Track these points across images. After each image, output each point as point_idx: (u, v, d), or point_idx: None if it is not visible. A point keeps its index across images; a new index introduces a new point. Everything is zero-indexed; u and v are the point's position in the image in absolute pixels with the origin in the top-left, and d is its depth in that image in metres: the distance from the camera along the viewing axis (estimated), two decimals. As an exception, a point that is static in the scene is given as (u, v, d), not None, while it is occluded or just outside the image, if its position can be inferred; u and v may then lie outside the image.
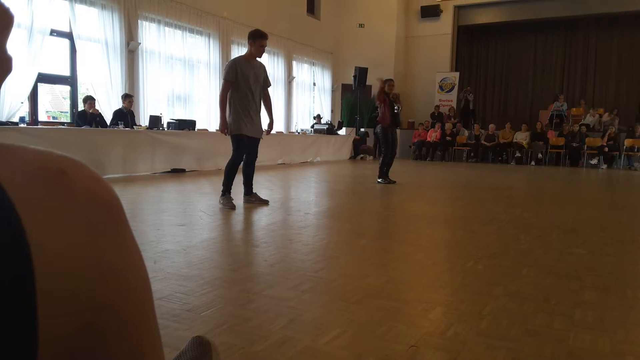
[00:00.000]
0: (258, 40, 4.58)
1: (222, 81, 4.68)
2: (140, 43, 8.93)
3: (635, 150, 12.07)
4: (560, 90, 15.04)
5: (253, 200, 4.83)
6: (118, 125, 7.52)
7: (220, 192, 4.59)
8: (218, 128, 5.07)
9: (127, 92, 8.46)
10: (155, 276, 2.28)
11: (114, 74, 8.54)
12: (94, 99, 7.71)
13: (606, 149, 12.16)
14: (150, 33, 9.28)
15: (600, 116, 13.53)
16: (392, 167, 7.33)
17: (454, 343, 1.63)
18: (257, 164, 5.02)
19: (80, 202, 0.38)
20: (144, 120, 8.60)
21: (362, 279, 2.33)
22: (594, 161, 12.55)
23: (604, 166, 12.19)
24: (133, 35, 8.84)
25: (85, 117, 7.43)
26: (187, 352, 1.07)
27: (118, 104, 8.24)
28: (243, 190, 4.84)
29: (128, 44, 8.74)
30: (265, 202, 4.83)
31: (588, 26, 14.86)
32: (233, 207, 4.45)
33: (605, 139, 12.25)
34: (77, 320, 0.36)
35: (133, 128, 7.72)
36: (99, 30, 8.27)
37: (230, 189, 4.60)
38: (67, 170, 0.38)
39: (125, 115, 7.97)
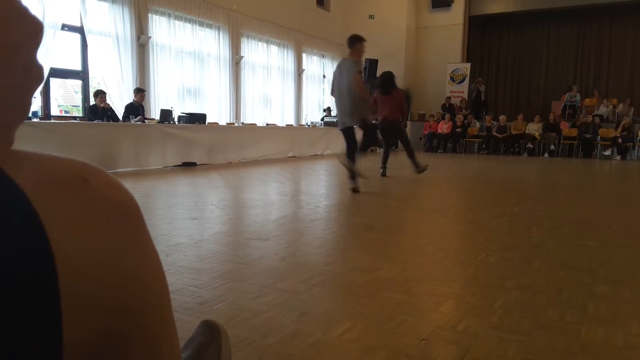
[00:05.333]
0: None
1: (358, 75, 5.10)
2: (150, 37, 8.96)
3: (650, 141, 11.90)
4: (573, 81, 14.84)
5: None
6: (130, 119, 7.57)
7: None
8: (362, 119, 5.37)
9: (138, 86, 8.51)
10: (167, 270, 2.30)
11: (124, 68, 8.59)
12: (105, 93, 7.77)
13: (620, 140, 12.00)
14: (161, 27, 9.31)
15: (614, 107, 13.33)
16: (399, 160, 7.34)
17: (465, 337, 1.63)
18: (266, 157, 5.13)
19: (101, 209, 0.39)
20: (155, 114, 8.65)
21: (373, 273, 2.33)
22: (607, 152, 12.40)
23: (618, 157, 12.04)
24: (143, 29, 8.87)
25: (97, 111, 7.49)
26: (196, 337, 1.08)
27: (129, 98, 8.29)
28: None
29: (138, 37, 8.78)
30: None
31: (602, 15, 14.61)
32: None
33: (619, 129, 12.08)
34: (100, 325, 0.37)
35: (144, 122, 7.77)
36: (109, 24, 8.31)
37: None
38: (89, 177, 0.39)
39: (137, 109, 8.02)
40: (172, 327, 0.47)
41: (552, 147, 12.74)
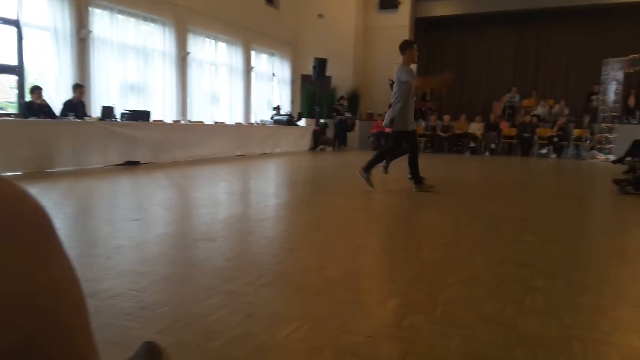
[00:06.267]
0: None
1: (413, 80, 5.27)
2: (91, 31, 8.60)
3: (583, 140, 12.61)
4: (512, 82, 15.49)
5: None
6: (68, 116, 7.23)
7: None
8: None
9: (77, 82, 8.15)
10: (107, 273, 2.21)
11: (63, 63, 8.21)
12: (41, 89, 7.38)
13: (556, 139, 12.65)
14: (102, 20, 8.96)
15: (551, 107, 14.05)
16: (349, 158, 7.36)
17: (409, 332, 1.66)
18: (214, 155, 5.03)
19: (5, 222, 0.36)
20: (95, 111, 8.31)
21: (321, 272, 2.33)
22: (544, 151, 13.05)
23: (554, 155, 12.69)
24: (84, 22, 8.50)
25: (33, 107, 7.11)
26: (135, 358, 1.03)
27: (68, 94, 7.93)
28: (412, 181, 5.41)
29: (78, 31, 8.40)
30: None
31: (540, 20, 15.34)
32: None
33: (555, 129, 12.74)
34: (6, 341, 0.34)
35: (84, 119, 7.45)
36: (47, 17, 7.91)
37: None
38: None
39: (76, 106, 7.68)
40: (86, 339, 0.44)
41: (493, 145, 13.27)
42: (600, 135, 12.36)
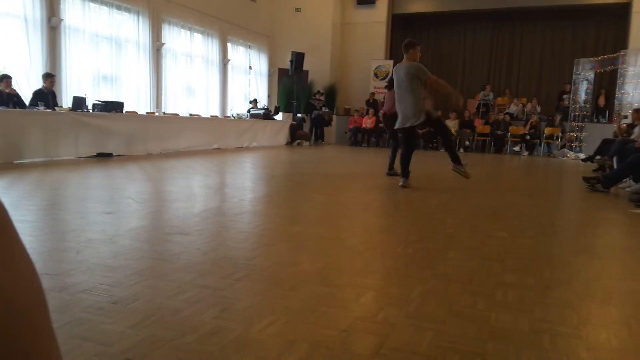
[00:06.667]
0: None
1: (430, 78, 5.37)
2: (62, 19, 8.38)
3: (554, 138, 12.90)
4: (487, 80, 15.74)
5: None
6: (38, 106, 7.04)
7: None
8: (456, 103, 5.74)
9: (48, 71, 7.94)
10: (78, 267, 2.16)
11: (33, 52, 7.99)
12: (10, 78, 7.16)
13: (528, 137, 12.91)
14: (74, 9, 8.74)
15: (524, 105, 14.32)
16: (326, 153, 7.37)
17: (383, 326, 1.67)
18: (190, 148, 4.97)
19: None
20: (66, 102, 8.11)
21: (297, 266, 2.33)
22: (516, 148, 13.31)
23: (526, 153, 12.94)
24: (55, 10, 8.29)
25: (2, 97, 6.89)
26: None
27: (38, 84, 7.71)
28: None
29: (49, 19, 8.18)
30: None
31: (514, 19, 15.59)
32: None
33: (528, 127, 13.00)
34: None
35: (55, 109, 7.26)
36: (17, 4, 7.68)
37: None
38: None
39: (47, 96, 7.48)
40: (46, 339, 0.42)
41: (467, 142, 13.47)
42: (571, 133, 12.67)
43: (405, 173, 5.46)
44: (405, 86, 5.35)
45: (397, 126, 5.58)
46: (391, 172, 6.62)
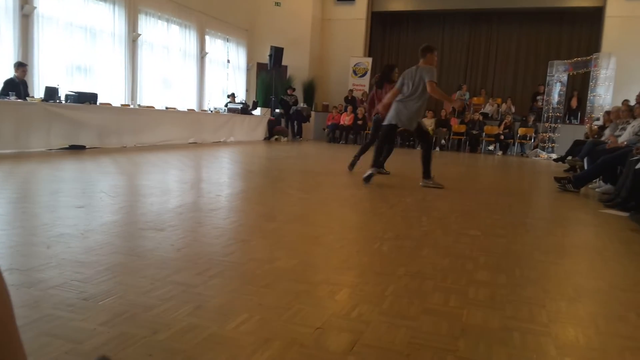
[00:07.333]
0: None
1: (430, 81, 5.34)
2: (35, 7, 8.16)
3: (528, 138, 13.15)
4: (463, 80, 15.94)
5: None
6: (9, 96, 6.84)
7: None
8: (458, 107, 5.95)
9: (20, 60, 7.73)
10: (48, 263, 2.12)
11: (5, 40, 7.77)
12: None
13: (502, 137, 13.14)
14: (47, -4, 8.50)
15: (499, 106, 14.56)
16: (304, 149, 7.36)
17: (357, 323, 1.68)
18: (165, 142, 4.90)
19: None
20: (38, 92, 7.91)
21: (272, 263, 2.33)
22: (491, 147, 13.53)
23: (500, 152, 13.17)
24: (27, -2, 8.06)
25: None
26: None
27: (9, 73, 7.50)
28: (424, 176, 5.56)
29: (22, 7, 7.95)
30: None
31: (490, 20, 15.82)
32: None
33: (502, 127, 13.23)
34: None
35: (26, 100, 7.07)
36: (-14, -10, 7.44)
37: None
38: None
39: (18, 85, 7.28)
40: (16, 347, 0.41)
41: (443, 141, 13.63)
42: (544, 134, 12.93)
43: (377, 163, 5.63)
44: (421, 90, 5.41)
45: (386, 121, 5.61)
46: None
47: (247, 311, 1.73)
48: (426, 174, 5.55)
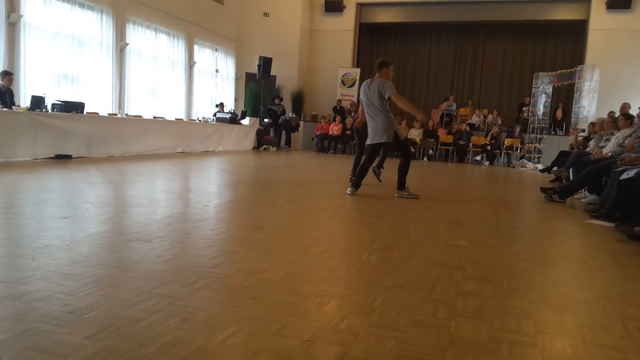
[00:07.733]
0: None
1: (393, 95, 5.37)
2: (22, 15, 8.10)
3: (514, 149, 13.29)
4: (450, 91, 16.10)
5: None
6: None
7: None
8: (420, 119, 6.25)
9: (6, 68, 7.66)
10: (33, 275, 2.08)
11: (-10, 48, 7.68)
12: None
13: (489, 147, 13.26)
14: (35, 5, 8.46)
15: (485, 116, 14.73)
16: (293, 159, 7.36)
17: (346, 335, 1.68)
18: (153, 151, 4.87)
19: None
20: (24, 101, 7.83)
21: (260, 274, 2.31)
22: (478, 158, 13.65)
23: (487, 163, 13.28)
24: (15, 6, 8.02)
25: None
26: None
27: (-6, 82, 7.42)
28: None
29: (8, 15, 7.90)
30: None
31: (477, 32, 16.04)
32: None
33: (489, 137, 13.36)
34: None
35: (12, 109, 7.00)
36: (-28, -2, 7.37)
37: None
38: None
39: (4, 94, 7.21)
40: None
41: (431, 152, 13.72)
42: (530, 145, 13.08)
43: (358, 184, 5.49)
44: (376, 103, 5.40)
45: (368, 142, 5.61)
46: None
47: (234, 324, 1.72)
48: (401, 184, 5.53)
